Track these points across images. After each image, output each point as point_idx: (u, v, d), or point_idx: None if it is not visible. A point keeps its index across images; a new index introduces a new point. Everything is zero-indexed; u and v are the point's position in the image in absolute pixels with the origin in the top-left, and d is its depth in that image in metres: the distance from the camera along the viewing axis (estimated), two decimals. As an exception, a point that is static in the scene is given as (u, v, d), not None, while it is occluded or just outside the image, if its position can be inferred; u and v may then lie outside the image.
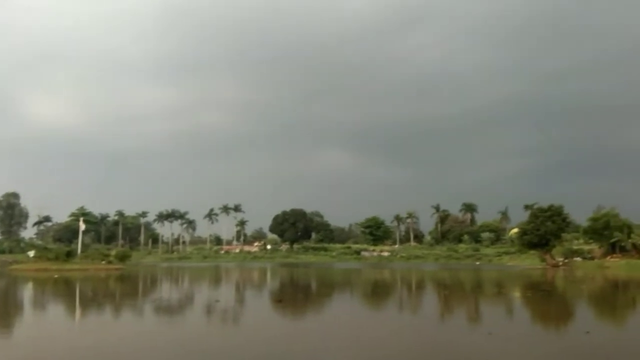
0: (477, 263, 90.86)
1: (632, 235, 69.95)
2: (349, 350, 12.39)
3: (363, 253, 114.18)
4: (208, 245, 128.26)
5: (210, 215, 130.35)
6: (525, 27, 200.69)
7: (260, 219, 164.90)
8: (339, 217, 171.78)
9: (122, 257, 72.82)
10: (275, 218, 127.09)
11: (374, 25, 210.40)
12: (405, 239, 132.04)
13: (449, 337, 14.86)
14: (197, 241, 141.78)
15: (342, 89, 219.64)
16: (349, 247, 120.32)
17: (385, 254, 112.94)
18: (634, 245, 69.89)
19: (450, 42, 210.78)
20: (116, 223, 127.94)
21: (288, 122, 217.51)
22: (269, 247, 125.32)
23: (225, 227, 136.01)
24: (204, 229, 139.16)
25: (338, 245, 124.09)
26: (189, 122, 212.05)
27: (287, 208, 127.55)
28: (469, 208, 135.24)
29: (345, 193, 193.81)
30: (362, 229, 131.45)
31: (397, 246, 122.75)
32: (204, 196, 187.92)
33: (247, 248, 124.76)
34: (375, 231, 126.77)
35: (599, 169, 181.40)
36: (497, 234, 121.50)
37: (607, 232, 73.12)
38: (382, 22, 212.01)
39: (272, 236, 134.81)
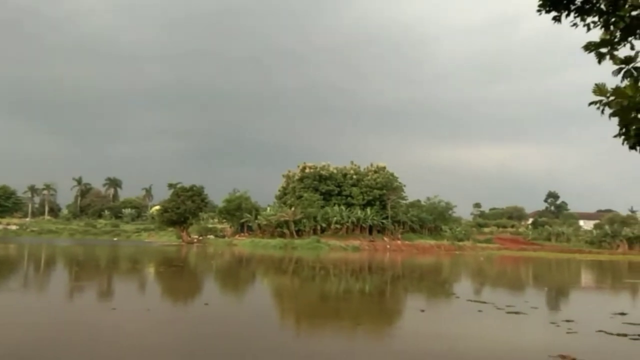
0: (115, 239, 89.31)
1: (259, 217, 79.23)
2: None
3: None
4: None
5: None
6: (196, 15, 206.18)
7: None
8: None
9: None
10: None
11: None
12: (39, 213, 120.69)
13: (72, 315, 14.22)
14: None
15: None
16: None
17: (14, 227, 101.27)
18: (259, 226, 79.29)
19: (121, 14, 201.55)
20: None
21: None
22: None
23: None
24: None
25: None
26: None
27: None
28: (114, 183, 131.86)
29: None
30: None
31: (28, 219, 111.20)
32: None
33: None
34: (4, 202, 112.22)
35: (240, 156, 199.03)
36: (139, 210, 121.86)
37: (238, 213, 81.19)
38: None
39: None
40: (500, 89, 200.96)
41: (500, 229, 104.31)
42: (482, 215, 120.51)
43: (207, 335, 11.47)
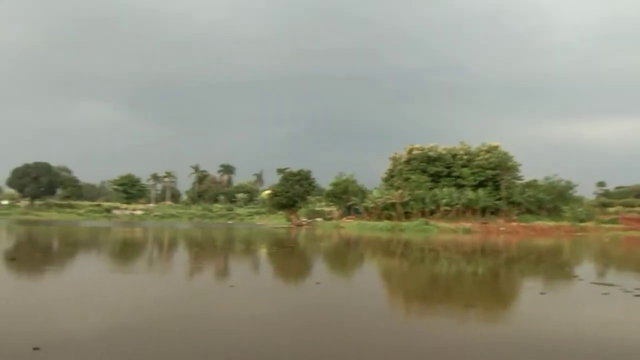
0: (230, 222, 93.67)
1: (365, 200, 79.34)
2: (76, 306, 11.69)
3: (114, 211, 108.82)
4: None
5: None
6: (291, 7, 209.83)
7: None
8: (90, 173, 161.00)
9: None
10: (15, 171, 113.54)
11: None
12: (161, 198, 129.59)
13: (195, 291, 15.04)
14: None
15: (112, 41, 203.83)
16: (99, 205, 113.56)
17: (139, 212, 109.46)
18: (366, 208, 79.44)
19: (225, 10, 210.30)
20: None
21: (38, 70, 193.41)
22: (4, 202, 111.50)
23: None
24: None
25: (86, 203, 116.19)
26: None
27: (31, 161, 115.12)
28: (227, 169, 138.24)
29: (100, 149, 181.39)
30: (116, 187, 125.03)
31: (151, 205, 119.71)
32: None
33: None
34: (130, 189, 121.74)
35: (345, 139, 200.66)
36: (251, 194, 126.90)
37: (345, 196, 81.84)
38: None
39: (9, 191, 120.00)
40: (627, 59, 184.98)
41: (627, 209, 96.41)
42: (606, 194, 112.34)
43: (318, 310, 11.63)
